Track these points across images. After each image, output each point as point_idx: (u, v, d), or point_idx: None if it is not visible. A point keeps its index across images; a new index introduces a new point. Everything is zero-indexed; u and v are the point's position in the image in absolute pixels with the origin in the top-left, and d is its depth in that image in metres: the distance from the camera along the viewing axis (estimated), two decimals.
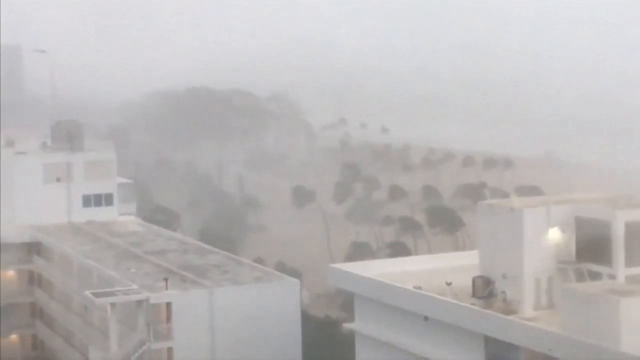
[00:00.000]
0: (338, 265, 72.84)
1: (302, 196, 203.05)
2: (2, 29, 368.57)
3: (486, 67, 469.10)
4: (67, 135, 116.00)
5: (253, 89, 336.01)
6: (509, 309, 58.06)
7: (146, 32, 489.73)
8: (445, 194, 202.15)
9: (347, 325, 70.79)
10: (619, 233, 56.87)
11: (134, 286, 78.15)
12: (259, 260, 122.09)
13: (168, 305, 76.16)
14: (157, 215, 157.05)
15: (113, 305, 75.62)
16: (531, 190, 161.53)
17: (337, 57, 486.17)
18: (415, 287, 62.67)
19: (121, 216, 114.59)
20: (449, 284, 61.44)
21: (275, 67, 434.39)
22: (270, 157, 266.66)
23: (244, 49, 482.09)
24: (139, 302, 75.46)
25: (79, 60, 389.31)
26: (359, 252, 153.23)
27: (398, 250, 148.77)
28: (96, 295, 76.41)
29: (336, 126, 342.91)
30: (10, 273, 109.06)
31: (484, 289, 59.77)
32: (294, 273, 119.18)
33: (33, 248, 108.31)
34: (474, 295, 60.09)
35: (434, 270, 66.24)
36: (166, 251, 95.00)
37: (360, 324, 67.85)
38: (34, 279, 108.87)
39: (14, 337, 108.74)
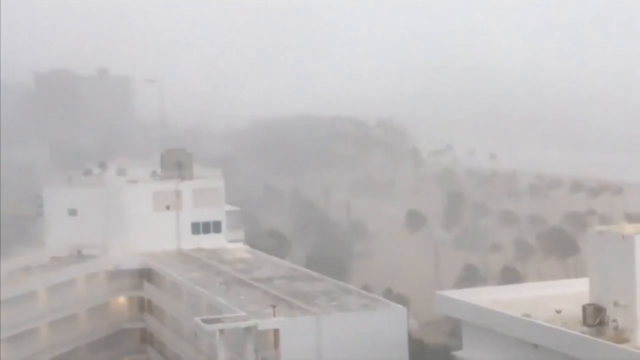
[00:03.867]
0: (446, 292, 72.23)
1: (411, 223, 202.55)
2: (113, 59, 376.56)
3: (599, 90, 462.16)
4: (176, 163, 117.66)
5: (359, 115, 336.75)
6: (621, 337, 56.90)
7: (251, 61, 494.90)
8: (553, 220, 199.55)
9: (455, 353, 70.13)
10: None
11: (243, 313, 78.61)
12: (366, 287, 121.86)
13: (276, 332, 76.34)
14: (266, 241, 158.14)
15: (222, 331, 76.08)
16: None
17: (444, 82, 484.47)
18: (524, 315, 61.86)
19: (229, 243, 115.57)
20: (558, 312, 60.50)
21: (381, 93, 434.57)
22: (377, 183, 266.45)
23: (350, 76, 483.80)
24: (247, 329, 75.87)
25: (188, 89, 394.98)
26: (468, 278, 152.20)
27: (507, 276, 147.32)
28: (205, 321, 76.97)
29: (443, 152, 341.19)
30: (122, 299, 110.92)
31: (595, 317, 58.70)
32: (402, 300, 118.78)
33: (143, 275, 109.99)
34: (584, 323, 59.06)
35: (544, 298, 65.29)
36: (274, 278, 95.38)
37: (468, 352, 67.18)
38: (144, 305, 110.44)
39: None
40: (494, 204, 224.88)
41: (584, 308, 59.40)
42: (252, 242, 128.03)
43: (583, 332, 57.84)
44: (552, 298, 64.25)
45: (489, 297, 67.25)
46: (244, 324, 76.02)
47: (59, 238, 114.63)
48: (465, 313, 66.58)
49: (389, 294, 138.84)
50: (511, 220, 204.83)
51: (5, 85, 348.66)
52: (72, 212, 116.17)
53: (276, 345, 76.35)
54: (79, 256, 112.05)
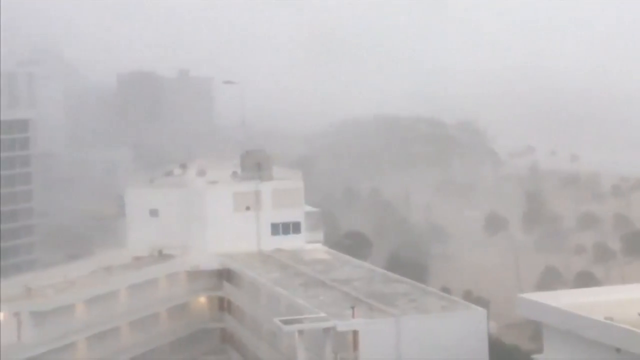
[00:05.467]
0: (526, 295, 71.51)
1: (490, 224, 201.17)
2: (194, 61, 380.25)
3: None
4: (256, 164, 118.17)
5: (439, 116, 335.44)
6: None
7: (331, 62, 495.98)
8: (637, 222, 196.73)
9: (536, 357, 69.43)
10: None
11: (322, 314, 78.65)
12: (446, 289, 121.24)
13: (355, 333, 76.23)
14: (345, 242, 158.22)
15: (301, 332, 76.20)
16: None
17: (525, 84, 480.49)
18: (606, 318, 61.03)
19: (308, 244, 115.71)
20: None
21: (462, 94, 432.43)
22: (457, 185, 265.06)
23: (430, 77, 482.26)
24: (326, 330, 75.87)
25: (268, 90, 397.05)
26: (549, 281, 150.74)
27: (588, 279, 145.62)
28: (284, 322, 77.14)
29: (524, 154, 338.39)
30: (202, 299, 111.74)
31: None
32: (482, 302, 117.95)
33: (223, 275, 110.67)
34: None
35: (627, 301, 64.34)
36: (352, 279, 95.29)
37: (549, 355, 66.47)
38: (224, 305, 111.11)
39: None
40: (576, 206, 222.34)
41: None
42: (331, 243, 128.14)
43: None
44: (635, 301, 63.34)
45: (571, 300, 66.47)
46: (323, 325, 76.03)
47: (140, 238, 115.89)
48: (547, 316, 65.89)
49: (468, 295, 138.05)
50: (593, 223, 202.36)
51: (89, 87, 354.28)
52: (154, 213, 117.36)
53: (355, 346, 76.26)
54: (160, 256, 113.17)
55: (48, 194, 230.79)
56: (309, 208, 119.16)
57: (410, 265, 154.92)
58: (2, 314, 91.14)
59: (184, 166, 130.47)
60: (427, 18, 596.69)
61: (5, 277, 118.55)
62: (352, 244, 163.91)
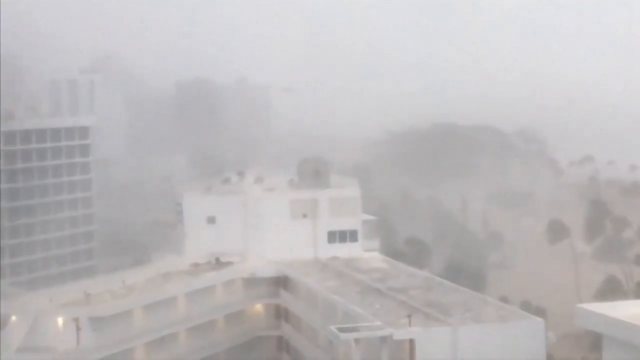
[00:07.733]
0: (585, 306, 70.58)
1: (550, 234, 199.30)
2: (250, 68, 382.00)
3: None
4: (313, 172, 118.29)
5: (499, 124, 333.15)
6: None
7: (388, 69, 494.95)
8: None
9: None
10: None
11: (378, 322, 78.46)
12: (504, 299, 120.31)
13: (411, 342, 75.96)
14: (403, 251, 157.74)
15: (357, 340, 76.10)
16: None
17: (584, 94, 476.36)
18: None
19: (365, 252, 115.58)
20: None
21: (521, 103, 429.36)
22: (515, 194, 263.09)
23: (489, 84, 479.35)
24: (383, 338, 75.69)
25: (324, 98, 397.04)
26: (609, 291, 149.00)
27: None
28: (341, 330, 77.07)
29: (583, 163, 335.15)
30: (258, 307, 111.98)
31: None
32: (540, 312, 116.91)
33: (280, 282, 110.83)
34: None
35: None
36: (409, 288, 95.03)
37: None
38: (280, 313, 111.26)
39: None
40: (636, 216, 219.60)
41: None
42: (388, 251, 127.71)
43: None
44: None
45: (632, 310, 65.53)
46: (379, 334, 75.87)
47: (198, 245, 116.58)
48: (607, 327, 65.00)
49: (526, 306, 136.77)
50: None
51: (148, 94, 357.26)
52: (211, 220, 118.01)
53: (411, 355, 75.96)
54: (217, 263, 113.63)
55: (108, 201, 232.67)
56: (365, 216, 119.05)
57: (468, 274, 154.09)
58: (61, 319, 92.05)
59: (241, 173, 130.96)
60: (485, 23, 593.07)
61: (65, 283, 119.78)
62: (410, 252, 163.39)
